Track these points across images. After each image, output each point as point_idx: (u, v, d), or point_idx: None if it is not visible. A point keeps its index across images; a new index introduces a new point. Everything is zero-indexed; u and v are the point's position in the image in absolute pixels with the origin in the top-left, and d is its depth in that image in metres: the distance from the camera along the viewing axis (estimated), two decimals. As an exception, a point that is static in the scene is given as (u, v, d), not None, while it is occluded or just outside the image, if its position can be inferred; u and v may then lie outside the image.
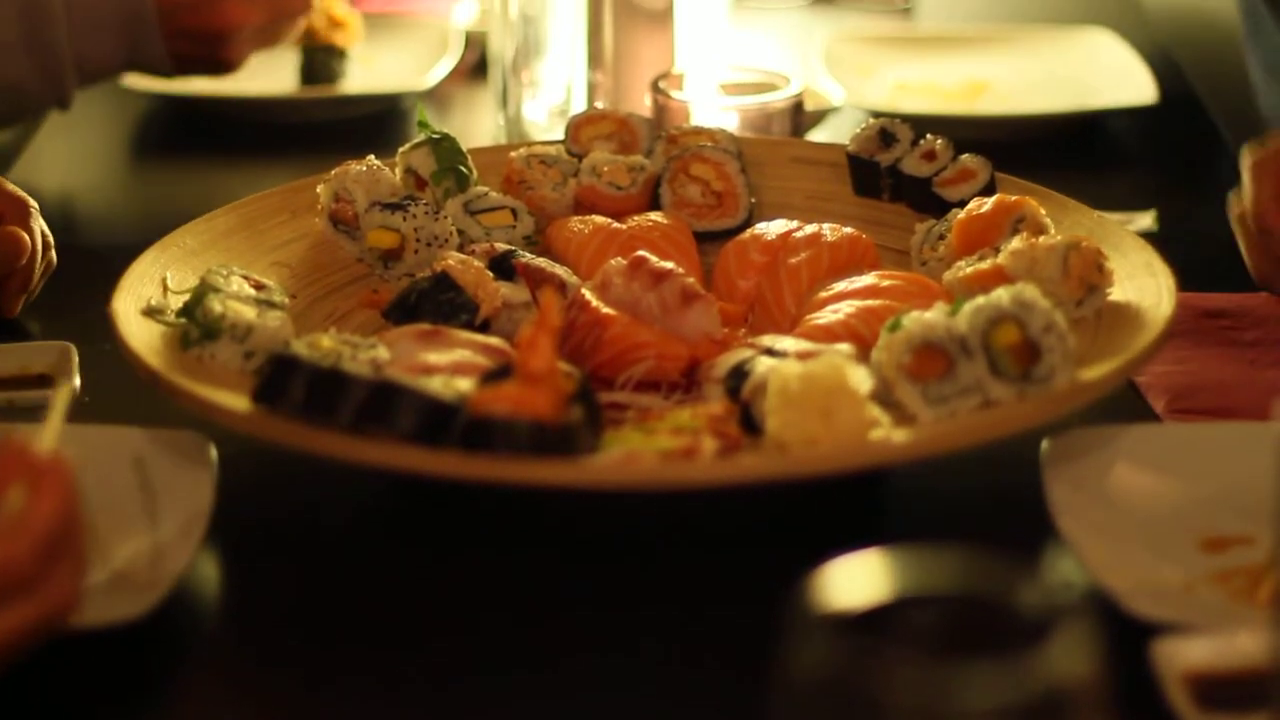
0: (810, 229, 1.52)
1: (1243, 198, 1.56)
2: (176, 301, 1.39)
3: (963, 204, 1.51)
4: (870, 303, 1.41)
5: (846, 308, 1.42)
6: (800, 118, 1.78)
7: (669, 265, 1.44)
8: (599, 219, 1.55)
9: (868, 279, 1.45)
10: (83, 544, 1.06)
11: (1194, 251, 1.64)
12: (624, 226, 1.54)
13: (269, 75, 2.18)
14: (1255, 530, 1.24)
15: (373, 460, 1.21)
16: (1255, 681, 1.02)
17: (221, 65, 2.02)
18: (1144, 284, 1.39)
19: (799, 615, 0.81)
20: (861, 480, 1.34)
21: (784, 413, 1.23)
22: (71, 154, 2.10)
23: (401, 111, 2.19)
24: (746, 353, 1.35)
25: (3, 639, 1.02)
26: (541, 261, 1.49)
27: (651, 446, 1.23)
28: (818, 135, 2.04)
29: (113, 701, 1.14)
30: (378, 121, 2.18)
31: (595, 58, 1.96)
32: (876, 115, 1.71)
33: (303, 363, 1.24)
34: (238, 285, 1.41)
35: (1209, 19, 2.25)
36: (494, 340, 1.38)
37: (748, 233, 1.55)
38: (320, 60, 2.21)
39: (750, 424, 1.29)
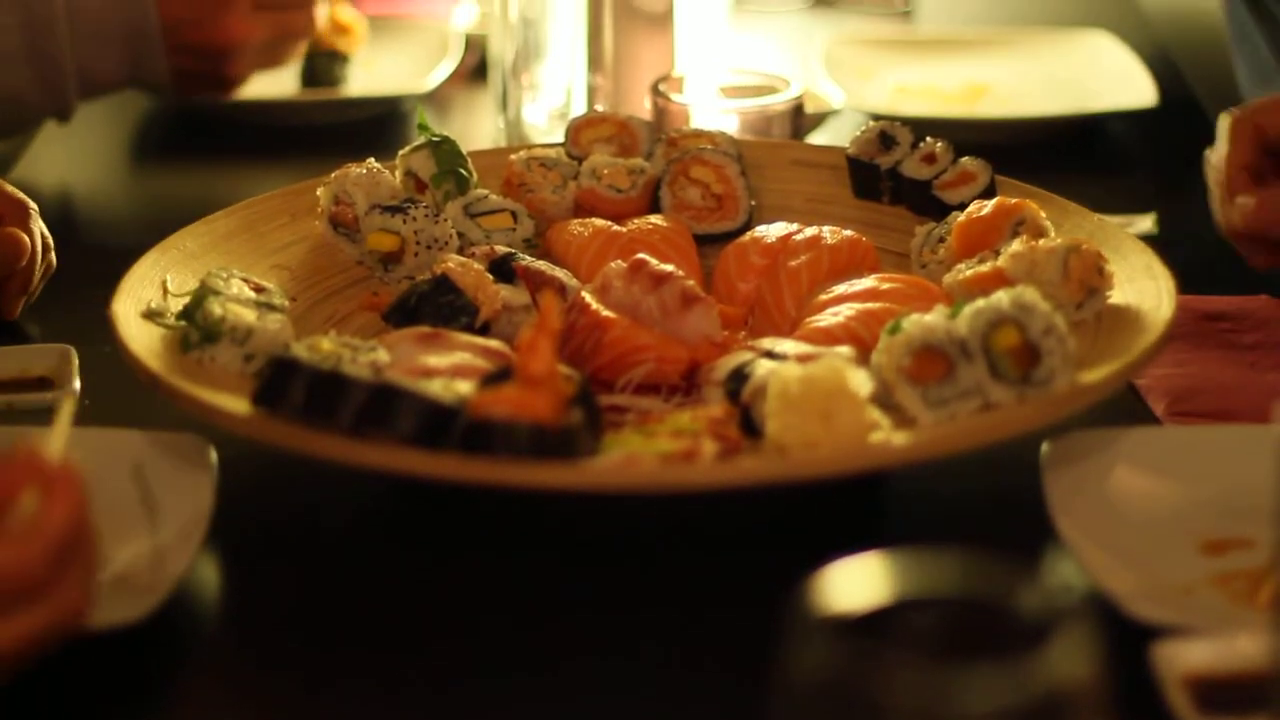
0: (810, 232, 1.52)
1: (1215, 155, 1.57)
2: (177, 304, 1.39)
3: (963, 207, 1.51)
4: (870, 305, 1.41)
5: (846, 310, 1.42)
6: (800, 120, 1.78)
7: (669, 268, 1.44)
8: (599, 222, 1.55)
9: (868, 282, 1.45)
10: (93, 550, 1.06)
11: (1194, 254, 1.64)
12: (624, 229, 1.54)
13: (270, 79, 2.18)
14: (1255, 533, 1.24)
15: (373, 463, 1.21)
16: (1255, 684, 1.02)
17: (224, 82, 2.02)
18: (1144, 287, 1.39)
19: (799, 618, 0.81)
20: (861, 483, 1.34)
21: (784, 415, 1.23)
22: (72, 156, 2.10)
23: (401, 114, 2.19)
24: (746, 355, 1.35)
25: (15, 644, 1.02)
26: (541, 264, 1.49)
27: (651, 449, 1.23)
28: (818, 138, 2.04)
29: (113, 704, 1.14)
30: (378, 124, 2.18)
31: (595, 61, 1.96)
32: (876, 118, 1.71)
33: (303, 365, 1.24)
34: (238, 288, 1.41)
35: (1208, 22, 2.25)
36: (494, 343, 1.38)
37: (748, 235, 1.55)
38: (322, 64, 2.21)
39: (750, 427, 1.29)
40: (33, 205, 1.62)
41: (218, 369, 1.34)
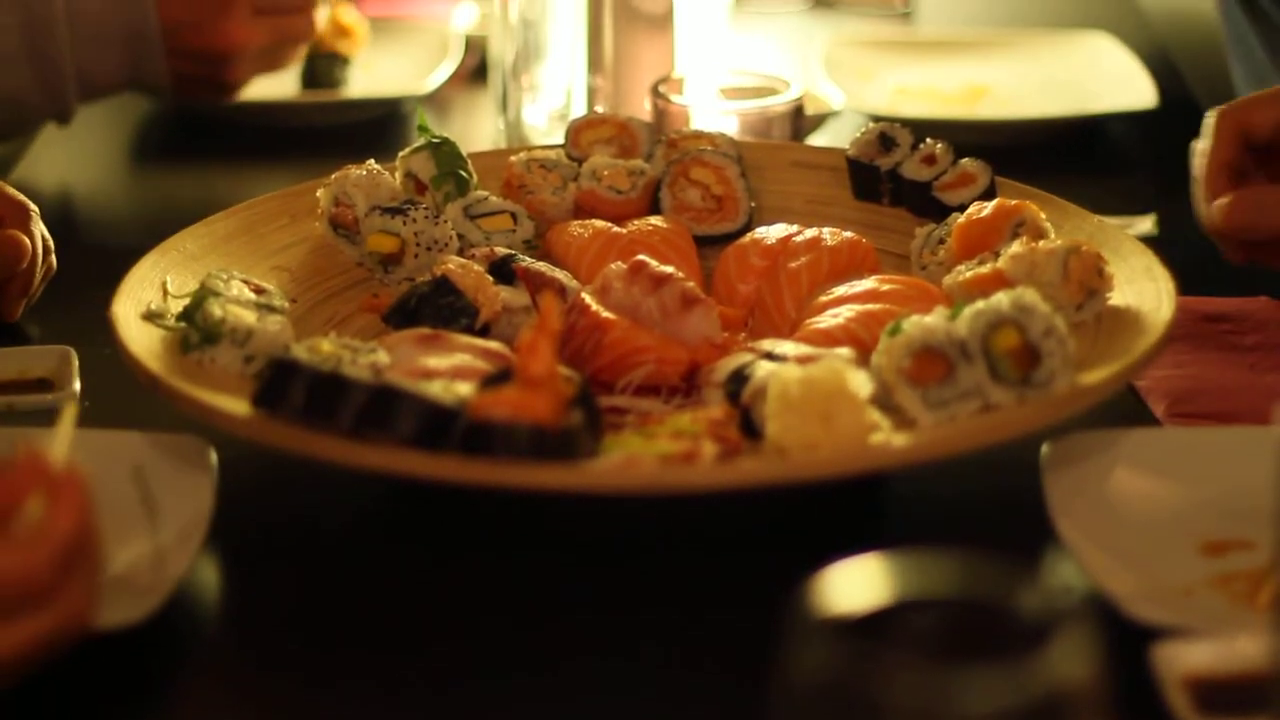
0: (810, 233, 1.52)
1: (1200, 149, 1.57)
2: (177, 305, 1.39)
3: (962, 208, 1.51)
4: (870, 307, 1.41)
5: (846, 312, 1.42)
6: (800, 122, 1.78)
7: (669, 269, 1.44)
8: (599, 223, 1.55)
9: (867, 283, 1.45)
10: (98, 555, 1.06)
11: (1194, 256, 1.63)
12: (624, 231, 1.54)
13: (270, 80, 2.18)
14: (1255, 534, 1.24)
15: (373, 464, 1.21)
16: (1255, 685, 1.02)
17: (223, 87, 2.02)
18: (1144, 288, 1.39)
19: (799, 619, 0.82)
20: (861, 484, 1.34)
21: (784, 417, 1.23)
22: (72, 157, 2.10)
23: (401, 116, 2.19)
24: (746, 357, 1.35)
25: (21, 649, 1.02)
26: (541, 266, 1.49)
27: (651, 451, 1.23)
28: (818, 139, 2.04)
29: (113, 705, 1.14)
30: (378, 126, 2.18)
31: (595, 62, 1.96)
32: (876, 119, 1.71)
33: (303, 367, 1.24)
34: (238, 289, 1.41)
35: (1208, 23, 2.25)
36: (494, 344, 1.38)
37: (748, 237, 1.55)
38: (322, 66, 2.21)
39: (750, 428, 1.29)
40: (33, 207, 1.62)
41: (218, 370, 1.34)
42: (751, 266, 1.51)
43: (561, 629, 1.21)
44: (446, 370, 1.32)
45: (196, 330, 1.35)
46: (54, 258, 1.64)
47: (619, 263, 1.45)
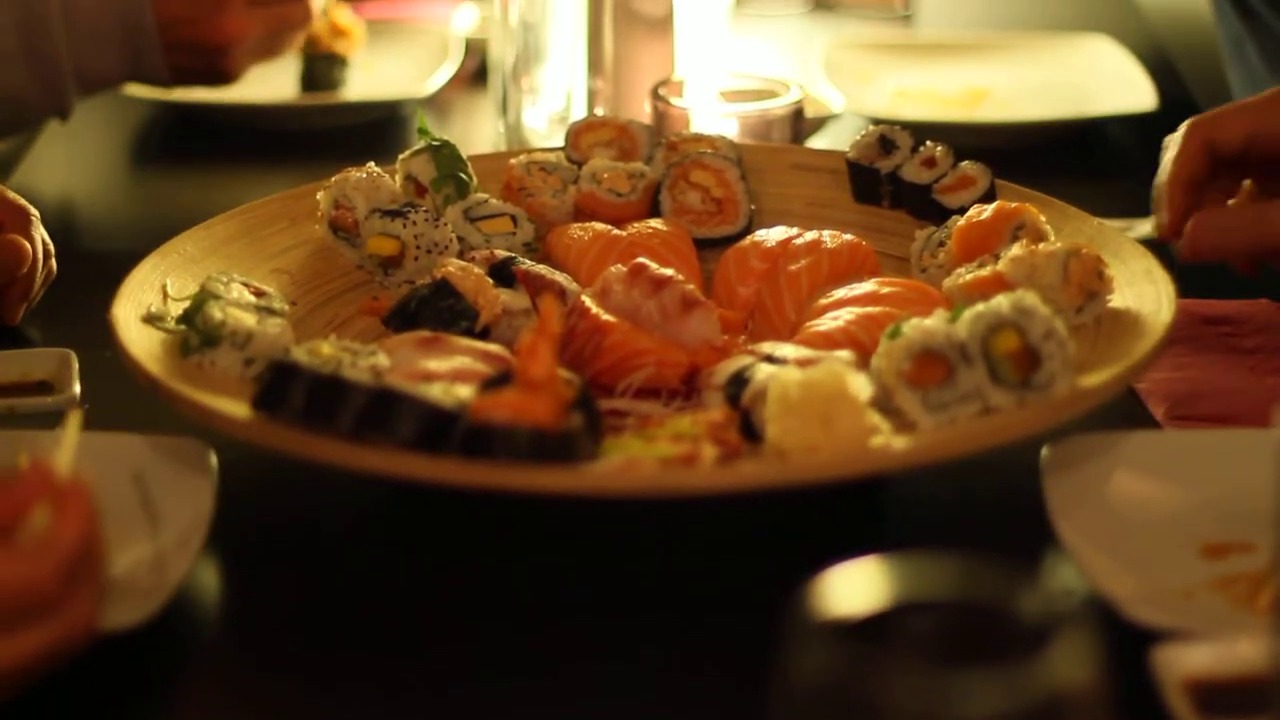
0: (810, 236, 1.52)
1: (1165, 159, 1.57)
2: (176, 308, 1.39)
3: (962, 211, 1.51)
4: (870, 309, 1.41)
5: (846, 314, 1.42)
6: (800, 124, 1.78)
7: (669, 272, 1.44)
8: (599, 226, 1.55)
9: (867, 286, 1.45)
10: (104, 565, 1.06)
11: (1194, 258, 1.63)
12: (624, 233, 1.54)
13: (269, 82, 2.18)
14: (1255, 537, 1.24)
15: (373, 467, 1.21)
16: (1256, 688, 1.02)
17: (221, 77, 2.02)
18: (1144, 291, 1.39)
19: (799, 622, 0.81)
20: (861, 487, 1.34)
21: (784, 420, 1.23)
22: (72, 160, 2.10)
23: (401, 118, 2.19)
24: (746, 360, 1.35)
25: (27, 659, 1.02)
26: (541, 268, 1.49)
27: (651, 453, 1.23)
28: (817, 142, 2.04)
29: (113, 708, 1.14)
30: (378, 128, 2.18)
31: (595, 64, 1.96)
32: (876, 122, 1.71)
33: (303, 370, 1.24)
34: (238, 292, 1.41)
35: (1207, 25, 2.25)
36: (494, 347, 1.38)
37: (748, 240, 1.55)
38: (321, 68, 2.21)
39: (750, 431, 1.29)
40: (34, 212, 1.61)
41: (218, 373, 1.34)
42: (751, 269, 1.51)
43: (561, 631, 1.21)
44: (446, 373, 1.32)
45: (196, 333, 1.35)
46: (54, 262, 1.64)
47: (619, 265, 1.45)
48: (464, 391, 1.24)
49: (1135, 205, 1.84)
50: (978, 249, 1.46)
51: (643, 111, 1.87)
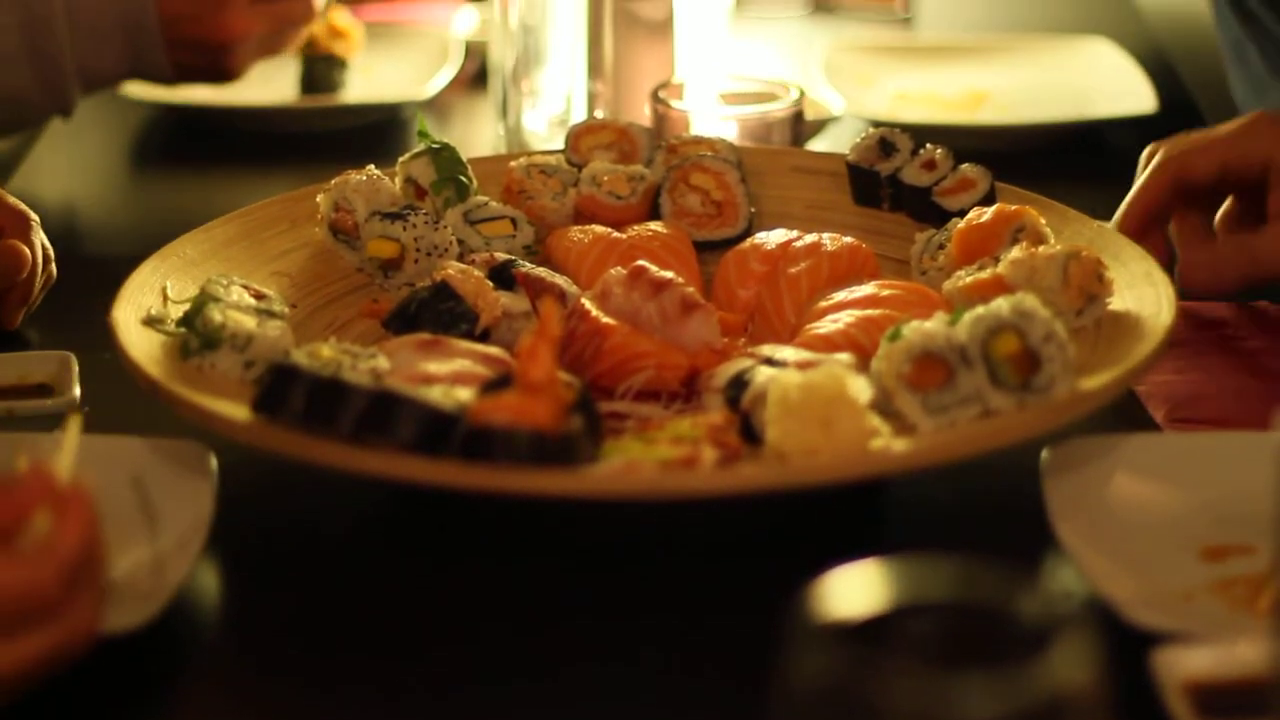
0: (810, 238, 1.52)
1: (1136, 185, 1.58)
2: (176, 311, 1.39)
3: (962, 213, 1.51)
4: (870, 312, 1.41)
5: (846, 317, 1.42)
6: (800, 127, 1.78)
7: (669, 275, 1.44)
8: (599, 228, 1.55)
9: (867, 288, 1.45)
10: (104, 570, 1.07)
11: (1194, 261, 1.63)
12: (624, 236, 1.54)
13: (269, 84, 2.18)
14: (1255, 539, 1.24)
15: (373, 470, 1.21)
16: (1255, 691, 1.02)
17: (224, 75, 2.02)
18: (1144, 293, 1.39)
19: (799, 624, 0.81)
20: (861, 490, 1.34)
21: (784, 422, 1.23)
22: (71, 163, 2.10)
23: (401, 121, 2.19)
24: (746, 362, 1.35)
25: (26, 664, 1.02)
26: (541, 271, 1.49)
27: (651, 456, 1.23)
28: (818, 145, 2.04)
29: (113, 710, 1.14)
30: (378, 131, 2.18)
31: (595, 67, 1.96)
32: (876, 124, 1.71)
33: (303, 372, 1.24)
34: (238, 295, 1.41)
35: (1207, 28, 2.25)
36: (494, 350, 1.38)
37: (747, 242, 1.55)
38: (320, 70, 2.21)
39: (750, 433, 1.29)
40: (34, 217, 1.61)
41: (218, 376, 1.34)
42: (751, 272, 1.51)
43: (561, 634, 1.21)
44: (446, 375, 1.32)
45: (196, 335, 1.35)
46: (54, 266, 1.64)
47: (619, 268, 1.45)
48: (464, 394, 1.24)
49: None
50: (978, 251, 1.46)
51: (643, 114, 1.87)
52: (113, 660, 1.14)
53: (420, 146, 1.59)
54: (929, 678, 0.78)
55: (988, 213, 1.48)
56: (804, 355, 1.35)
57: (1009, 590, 0.82)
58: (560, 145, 1.67)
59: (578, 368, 1.37)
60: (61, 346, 1.51)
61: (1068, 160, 2.06)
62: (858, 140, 1.61)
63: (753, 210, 1.60)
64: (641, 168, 1.61)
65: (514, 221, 1.56)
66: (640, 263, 1.45)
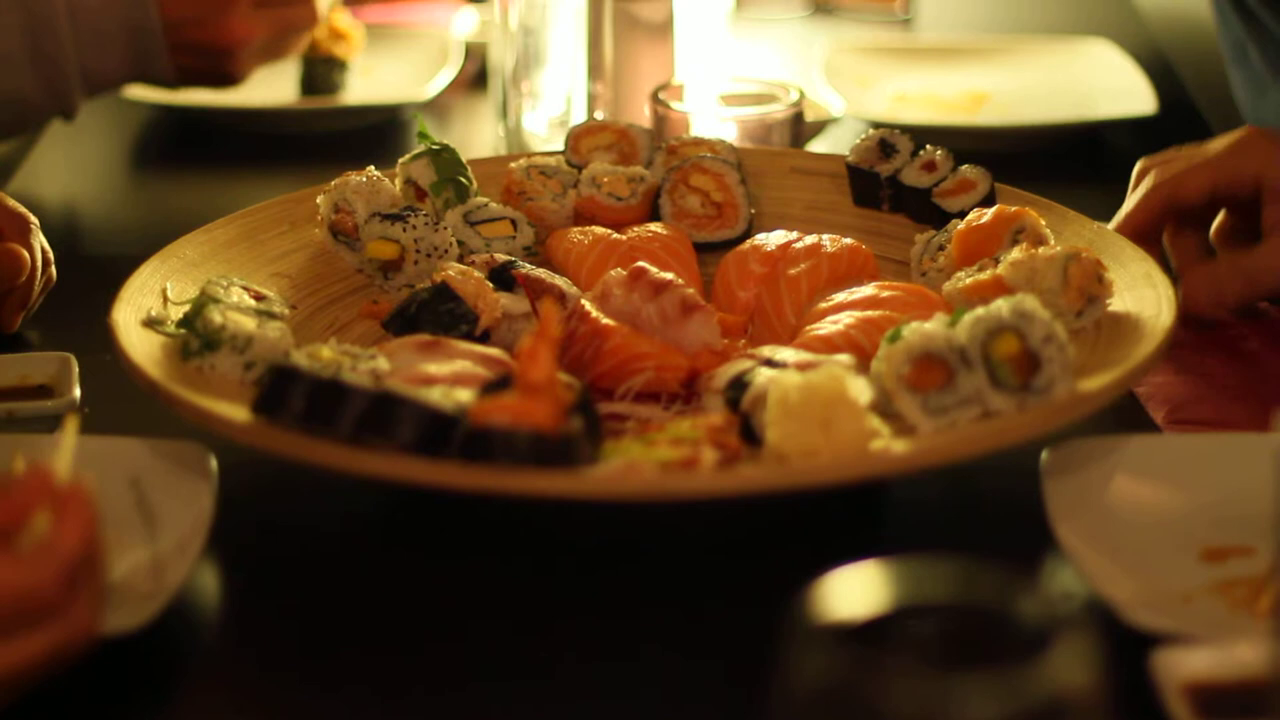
0: (810, 240, 1.52)
1: (1126, 201, 1.58)
2: (176, 312, 1.39)
3: (962, 215, 1.51)
4: (870, 313, 1.41)
5: (846, 318, 1.42)
6: (800, 128, 1.79)
7: (669, 276, 1.44)
8: (599, 230, 1.55)
9: (867, 290, 1.45)
10: (103, 570, 1.07)
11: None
12: (624, 237, 1.54)
13: (269, 86, 2.18)
14: (1255, 541, 1.24)
15: (373, 471, 1.21)
16: (1255, 692, 1.02)
17: (226, 79, 2.02)
18: (1144, 295, 1.40)
19: (799, 625, 0.82)
20: (861, 491, 1.34)
21: (784, 424, 1.23)
22: (72, 164, 2.10)
23: (401, 122, 2.19)
24: (746, 364, 1.35)
25: (27, 664, 1.03)
26: (541, 272, 1.49)
27: (651, 457, 1.23)
28: (817, 146, 2.04)
29: (113, 712, 1.14)
30: (378, 132, 2.18)
31: (595, 69, 1.96)
32: (876, 126, 1.72)
33: (303, 373, 1.24)
34: (238, 296, 1.41)
35: (1208, 30, 2.25)
36: (494, 351, 1.38)
37: (747, 243, 1.55)
38: (321, 71, 2.21)
39: (750, 435, 1.29)
40: (33, 220, 1.61)
41: (218, 377, 1.34)
42: (751, 273, 1.51)
43: (561, 634, 1.21)
44: (446, 377, 1.32)
45: (196, 337, 1.35)
46: (54, 270, 1.64)
47: (619, 269, 1.46)
48: (464, 395, 1.24)
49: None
50: (977, 253, 1.46)
51: (642, 115, 1.87)
52: (113, 661, 1.14)
53: (420, 148, 1.59)
54: (929, 679, 0.78)
55: (987, 214, 1.48)
56: (804, 356, 1.35)
57: (1009, 591, 0.82)
58: (560, 146, 1.67)
59: (578, 369, 1.38)
60: (62, 348, 1.51)
61: (1068, 161, 2.06)
62: (857, 141, 1.61)
63: (752, 211, 1.60)
64: (641, 169, 1.61)
65: (514, 223, 1.56)
66: (640, 264, 1.45)
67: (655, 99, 1.79)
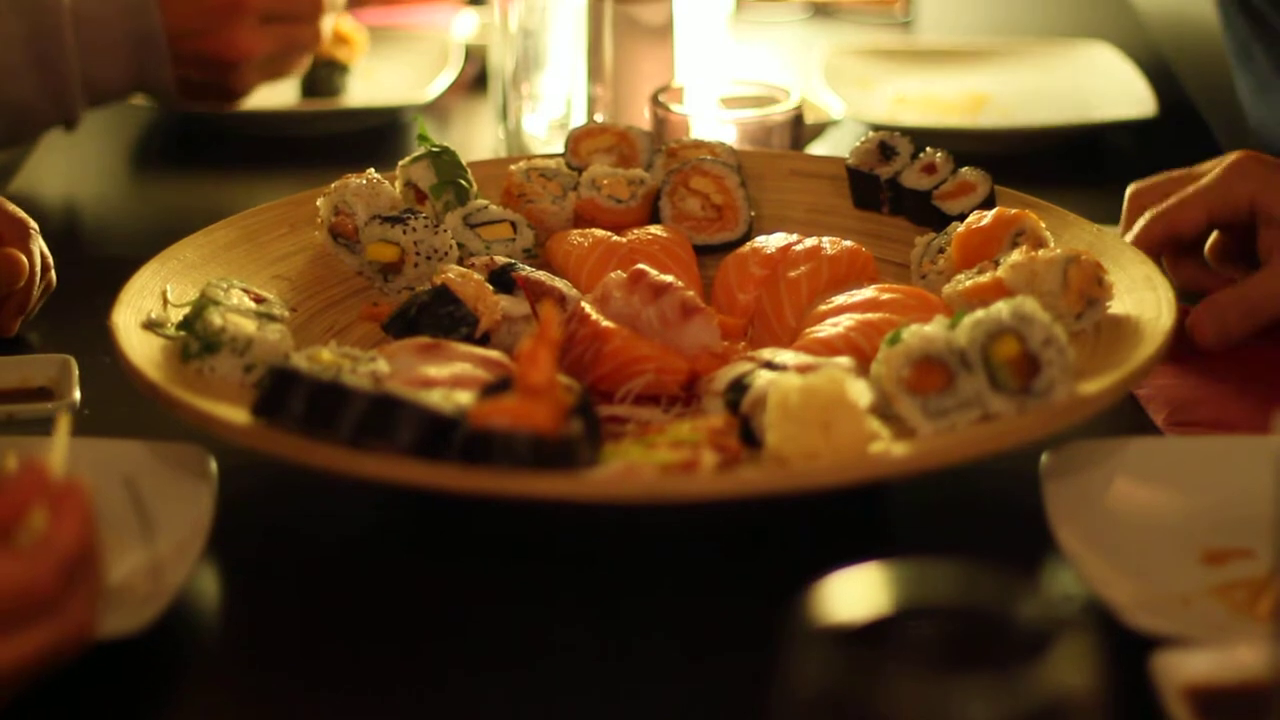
0: (810, 242, 1.52)
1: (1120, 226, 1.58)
2: (176, 314, 1.39)
3: (962, 217, 1.51)
4: (870, 316, 1.41)
5: (846, 321, 1.42)
6: (800, 131, 1.79)
7: (669, 279, 1.44)
8: (599, 232, 1.55)
9: (867, 292, 1.45)
10: (101, 567, 1.07)
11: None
12: (624, 240, 1.54)
13: (270, 89, 2.18)
14: (1255, 543, 1.24)
15: (372, 473, 1.21)
16: (1255, 695, 1.02)
17: (228, 93, 2.03)
18: (1144, 297, 1.40)
19: (799, 628, 0.81)
20: (861, 493, 1.34)
21: (784, 426, 1.23)
22: (72, 166, 2.11)
23: (401, 125, 2.19)
24: (746, 366, 1.35)
25: (24, 661, 1.02)
26: (541, 275, 1.49)
27: (651, 460, 1.23)
28: (817, 148, 2.04)
29: (112, 714, 1.14)
30: (378, 135, 2.18)
31: (595, 71, 1.96)
32: (876, 128, 1.71)
33: (303, 376, 1.24)
34: (238, 298, 1.41)
35: (1208, 32, 2.25)
36: (494, 353, 1.38)
37: (747, 246, 1.55)
38: (322, 75, 2.21)
39: (750, 437, 1.29)
40: (33, 225, 1.61)
41: (218, 379, 1.34)
42: (751, 275, 1.51)
43: (561, 634, 1.21)
44: (446, 379, 1.32)
45: (196, 339, 1.35)
46: (53, 274, 1.64)
47: (619, 272, 1.46)
48: (464, 398, 1.24)
49: (1135, 211, 1.84)
50: (977, 255, 1.46)
51: (642, 118, 1.87)
52: (113, 663, 1.14)
53: (420, 150, 1.59)
54: (929, 681, 0.78)
55: (987, 216, 1.48)
56: (804, 359, 1.35)
57: (1009, 594, 0.82)
58: (560, 149, 1.67)
59: (577, 371, 1.37)
60: (62, 350, 1.51)
61: (1068, 164, 2.06)
62: (857, 144, 1.61)
63: (752, 214, 1.60)
64: (641, 171, 1.61)
65: (514, 225, 1.56)
66: (640, 266, 1.45)
67: (655, 101, 1.79)
